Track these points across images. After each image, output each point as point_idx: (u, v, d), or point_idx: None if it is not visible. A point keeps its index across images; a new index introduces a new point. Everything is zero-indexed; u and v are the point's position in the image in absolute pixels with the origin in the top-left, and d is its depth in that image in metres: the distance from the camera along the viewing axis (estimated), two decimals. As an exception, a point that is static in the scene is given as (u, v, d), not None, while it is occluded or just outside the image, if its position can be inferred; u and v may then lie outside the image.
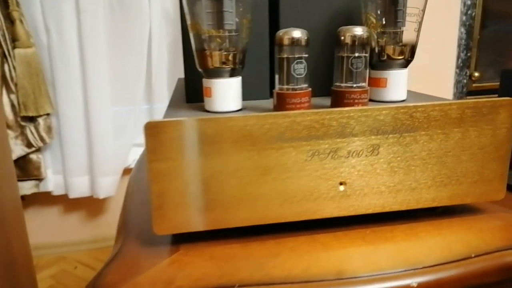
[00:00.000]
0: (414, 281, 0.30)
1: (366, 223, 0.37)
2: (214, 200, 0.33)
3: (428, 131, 0.35)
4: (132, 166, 1.46)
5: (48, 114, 1.35)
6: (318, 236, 0.35)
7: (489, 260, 0.32)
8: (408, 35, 0.42)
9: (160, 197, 0.32)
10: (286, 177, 0.34)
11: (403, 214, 0.37)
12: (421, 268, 0.31)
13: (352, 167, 0.34)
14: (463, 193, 0.37)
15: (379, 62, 0.42)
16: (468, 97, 1.30)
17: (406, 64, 0.43)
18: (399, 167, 0.35)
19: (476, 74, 1.27)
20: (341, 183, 0.35)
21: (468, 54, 1.25)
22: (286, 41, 0.36)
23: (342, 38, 0.37)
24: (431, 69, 1.23)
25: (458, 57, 1.24)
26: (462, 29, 1.22)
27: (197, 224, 0.33)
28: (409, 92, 0.48)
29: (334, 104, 0.39)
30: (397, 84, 0.42)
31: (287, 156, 0.33)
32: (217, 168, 0.32)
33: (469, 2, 1.21)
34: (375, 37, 0.42)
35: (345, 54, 0.37)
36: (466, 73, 1.26)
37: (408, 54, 0.42)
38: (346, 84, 0.38)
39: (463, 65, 1.25)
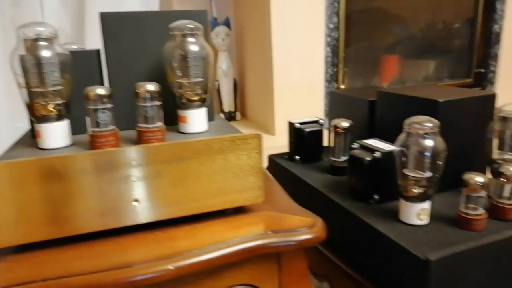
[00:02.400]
0: (172, 265, 0.43)
1: (163, 227, 0.50)
2: (31, 220, 0.44)
3: (198, 159, 0.49)
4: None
5: None
6: (122, 239, 0.48)
7: (231, 246, 0.46)
8: (202, 82, 0.56)
9: (-13, 221, 0.43)
10: (92, 199, 0.46)
11: (196, 217, 0.51)
12: (182, 255, 0.45)
13: (142, 187, 0.48)
14: (232, 199, 0.52)
15: (181, 104, 0.56)
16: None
17: (202, 104, 0.57)
18: (180, 186, 0.49)
19: (342, 86, 1.48)
20: (135, 200, 0.48)
21: (335, 70, 1.46)
22: (90, 96, 0.48)
23: (137, 91, 0.50)
24: (304, 83, 1.42)
25: (326, 72, 1.45)
26: (328, 49, 1.43)
27: (18, 239, 0.44)
28: (218, 122, 0.63)
29: (138, 140, 0.51)
30: (196, 120, 0.56)
31: (90, 183, 0.45)
32: (35, 196, 0.44)
33: (331, 26, 1.42)
34: (176, 85, 0.56)
35: (141, 104, 0.50)
36: (334, 85, 1.47)
37: (202, 97, 0.56)
38: (144, 125, 0.51)
39: (331, 79, 1.46)
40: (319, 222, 0.51)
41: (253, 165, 0.52)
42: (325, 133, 0.84)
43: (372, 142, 0.67)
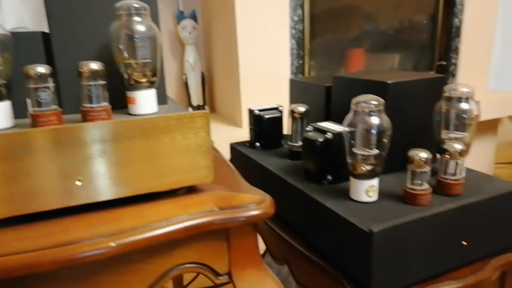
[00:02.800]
0: (115, 242, 0.43)
1: (109, 207, 0.49)
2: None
3: (144, 138, 0.49)
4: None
5: None
6: (65, 220, 0.47)
7: (176, 224, 0.46)
8: (150, 64, 0.56)
9: None
10: (33, 179, 0.45)
11: (145, 198, 0.50)
12: (125, 233, 0.44)
13: (86, 167, 0.47)
14: (180, 179, 0.52)
15: (129, 85, 0.55)
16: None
17: (151, 85, 0.56)
18: (126, 165, 0.49)
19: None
20: (79, 180, 0.47)
21: (300, 62, 1.48)
22: (30, 75, 0.47)
23: (80, 70, 0.49)
24: (270, 76, 1.43)
25: (292, 64, 1.46)
26: (293, 41, 1.44)
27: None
28: (170, 105, 0.63)
29: (82, 120, 0.51)
30: (144, 101, 0.56)
31: (31, 162, 0.44)
32: (-34, 176, 0.42)
33: (296, 18, 1.43)
34: (124, 66, 0.55)
35: (84, 83, 0.49)
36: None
37: (150, 78, 0.56)
38: (88, 105, 0.50)
39: (297, 71, 1.48)
40: (267, 199, 0.51)
41: (201, 144, 0.52)
42: (287, 121, 0.85)
43: (325, 124, 0.68)
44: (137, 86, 0.55)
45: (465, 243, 0.56)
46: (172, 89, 1.69)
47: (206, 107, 1.68)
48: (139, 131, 0.48)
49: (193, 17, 1.58)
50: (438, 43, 1.77)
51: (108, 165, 0.48)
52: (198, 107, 1.67)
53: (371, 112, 0.55)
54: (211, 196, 0.53)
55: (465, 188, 0.61)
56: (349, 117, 0.58)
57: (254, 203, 0.50)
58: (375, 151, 0.56)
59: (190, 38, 1.59)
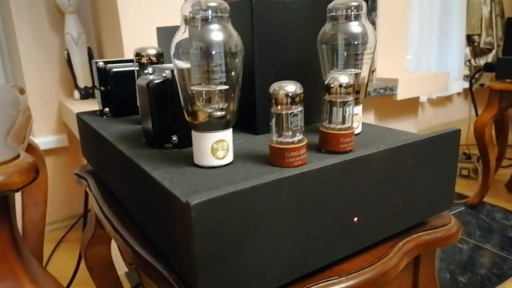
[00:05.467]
0: None
1: None
2: None
3: None
4: None
5: None
6: None
7: None
8: None
9: None
10: None
11: None
12: None
13: None
14: None
15: None
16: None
17: None
18: None
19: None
20: None
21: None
22: None
23: None
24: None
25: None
26: None
27: None
28: None
29: None
30: None
31: None
32: None
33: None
34: None
35: None
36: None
37: None
38: None
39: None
40: (22, 159, 0.29)
41: None
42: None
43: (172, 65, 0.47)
44: None
45: (356, 220, 0.37)
46: (54, 68, 1.40)
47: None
48: None
49: (70, -22, 1.31)
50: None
51: None
52: (86, 90, 1.39)
53: (210, 19, 0.35)
54: None
55: (359, 144, 0.43)
56: (180, 32, 0.37)
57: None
58: (221, 86, 0.36)
59: (70, 6, 1.32)
